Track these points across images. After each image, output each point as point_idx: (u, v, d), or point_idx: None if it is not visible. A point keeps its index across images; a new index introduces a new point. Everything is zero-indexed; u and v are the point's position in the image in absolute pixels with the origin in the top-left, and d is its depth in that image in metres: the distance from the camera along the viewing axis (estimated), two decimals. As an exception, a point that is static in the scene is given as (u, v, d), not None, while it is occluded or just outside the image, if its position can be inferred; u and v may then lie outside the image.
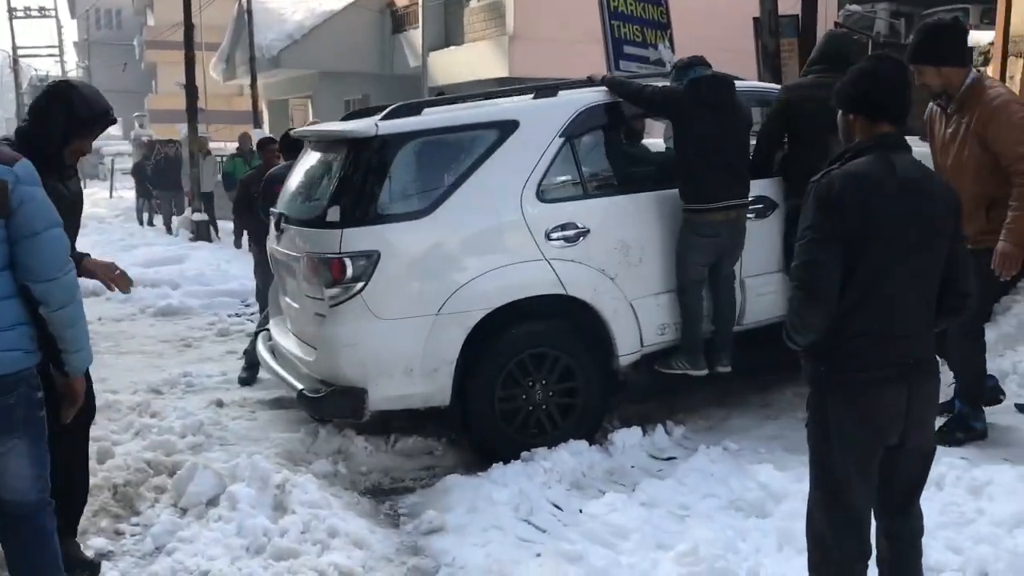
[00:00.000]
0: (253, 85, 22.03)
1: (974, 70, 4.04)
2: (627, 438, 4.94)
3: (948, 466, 3.98)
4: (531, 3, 19.34)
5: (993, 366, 4.90)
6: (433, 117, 4.94)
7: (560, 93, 5.23)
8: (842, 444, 2.63)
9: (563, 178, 5.02)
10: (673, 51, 9.23)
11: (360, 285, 4.56)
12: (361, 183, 4.64)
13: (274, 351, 5.37)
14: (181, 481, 4.36)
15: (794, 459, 4.51)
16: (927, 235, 2.61)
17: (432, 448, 5.12)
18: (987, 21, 24.98)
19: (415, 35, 24.01)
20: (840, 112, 2.75)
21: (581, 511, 4.24)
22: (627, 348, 5.04)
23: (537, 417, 4.90)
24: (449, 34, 22.90)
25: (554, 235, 4.86)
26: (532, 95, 5.22)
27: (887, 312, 2.59)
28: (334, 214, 4.63)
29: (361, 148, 4.70)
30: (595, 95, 5.26)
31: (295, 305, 5.09)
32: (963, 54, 4.08)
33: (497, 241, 4.82)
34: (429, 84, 22.54)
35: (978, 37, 16.41)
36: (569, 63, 19.68)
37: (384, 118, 4.79)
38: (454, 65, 20.96)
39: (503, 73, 19.46)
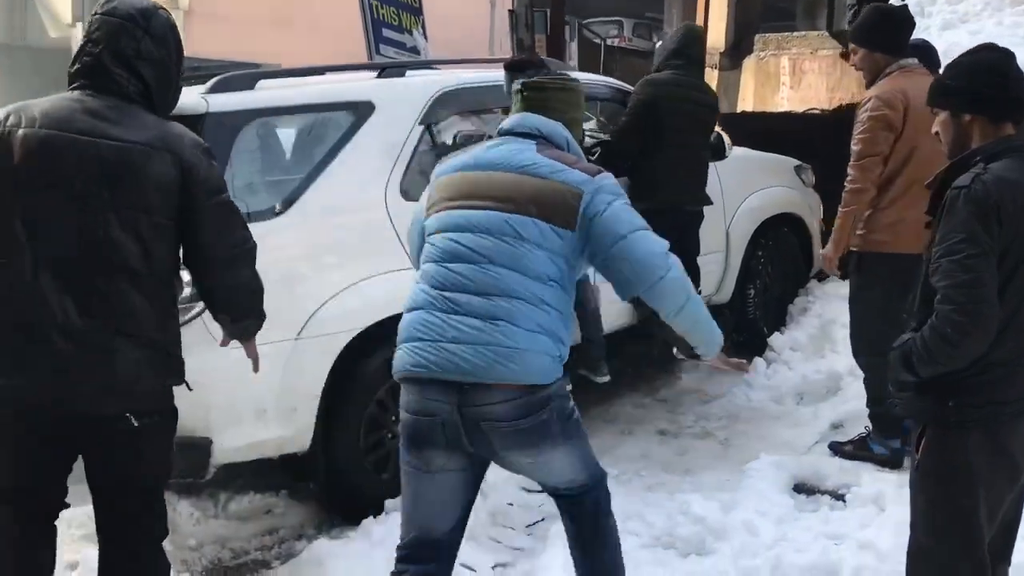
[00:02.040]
0: None
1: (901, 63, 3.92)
2: (497, 473, 4.30)
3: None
4: (208, -23, 17.69)
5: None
6: (274, 93, 3.98)
7: (408, 73, 4.47)
8: (978, 486, 2.27)
9: (425, 173, 4.24)
10: (426, 38, 8.67)
11: (199, 306, 3.52)
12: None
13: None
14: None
15: (687, 482, 4.21)
16: None
17: (271, 506, 4.15)
18: (638, 35, 26.99)
19: (58, 1, 21.16)
20: (947, 113, 2.37)
21: (495, 567, 3.59)
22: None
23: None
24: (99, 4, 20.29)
25: (422, 239, 4.12)
26: (377, 74, 4.41)
27: (1022, 338, 2.26)
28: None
29: (191, 129, 3.63)
30: (451, 76, 4.58)
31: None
32: (895, 42, 3.96)
33: (362, 247, 3.99)
34: (77, 62, 19.96)
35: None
36: (253, 44, 18.32)
37: (211, 91, 3.76)
38: (114, 42, 18.60)
39: (178, 54, 17.68)
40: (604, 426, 5.09)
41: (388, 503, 3.94)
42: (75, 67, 2.40)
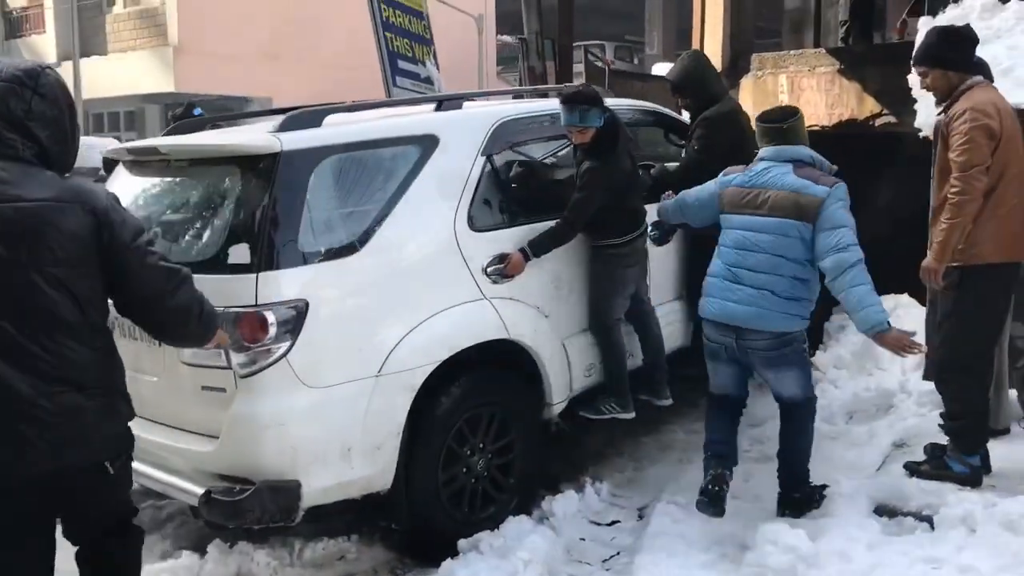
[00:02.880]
0: None
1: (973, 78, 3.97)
2: (564, 506, 4.30)
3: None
4: (196, 13, 17.69)
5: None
6: (343, 129, 3.95)
7: (464, 104, 4.47)
8: None
9: (489, 203, 4.26)
10: (438, 68, 8.70)
11: (285, 346, 3.48)
12: (272, 213, 3.54)
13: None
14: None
15: (760, 508, 4.19)
16: None
17: (343, 551, 4.08)
18: (619, 57, 27.25)
19: (40, 41, 21.03)
20: None
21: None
22: (559, 394, 4.42)
23: (480, 489, 4.11)
24: (86, 43, 20.25)
25: (491, 269, 4.11)
26: (435, 107, 4.40)
27: None
28: (241, 254, 3.50)
29: (263, 168, 3.61)
30: (507, 107, 4.59)
31: (152, 379, 3.79)
32: (965, 60, 4.00)
33: (436, 280, 3.96)
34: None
35: (659, 69, 17.68)
36: (242, 80, 18.36)
37: (281, 130, 3.73)
38: (101, 77, 18.50)
39: (168, 88, 17.59)
40: (659, 454, 5.07)
41: (462, 543, 3.90)
42: None
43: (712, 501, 3.95)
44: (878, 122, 10.60)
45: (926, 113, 5.47)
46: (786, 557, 3.57)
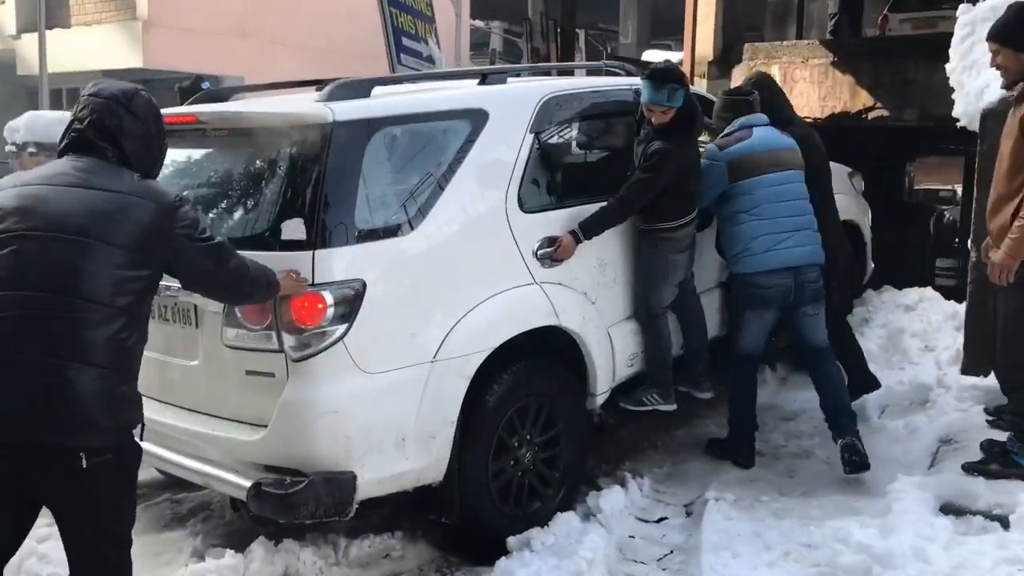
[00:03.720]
0: None
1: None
2: (612, 502, 4.12)
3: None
4: (167, -14, 17.10)
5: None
6: (395, 100, 3.72)
7: (509, 79, 4.25)
8: None
9: (538, 183, 4.05)
10: (439, 47, 8.46)
11: (342, 328, 3.25)
12: (327, 187, 3.30)
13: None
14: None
15: (814, 506, 4.06)
16: None
17: (389, 549, 3.86)
18: (592, 46, 27.09)
19: (3, 14, 20.28)
20: None
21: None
22: (603, 384, 4.24)
23: (526, 483, 3.92)
24: (49, 15, 19.52)
25: (540, 253, 3.91)
26: (479, 80, 4.17)
27: None
28: (295, 229, 3.26)
29: (316, 139, 3.36)
30: (553, 83, 4.38)
31: (189, 363, 3.53)
32: None
33: (488, 262, 3.76)
34: (21, 72, 19.16)
35: (649, 55, 17.59)
36: (213, 56, 17.83)
37: (330, 99, 3.49)
38: (64, 51, 17.84)
39: (136, 63, 17.00)
40: (695, 448, 4.90)
41: (512, 541, 3.71)
42: (63, 143, 2.68)
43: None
44: (871, 115, 10.57)
45: (964, 103, 5.38)
46: (859, 557, 3.43)
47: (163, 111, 3.75)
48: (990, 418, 4.57)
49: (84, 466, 2.45)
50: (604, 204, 4.11)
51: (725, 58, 12.81)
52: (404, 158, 3.60)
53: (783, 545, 3.71)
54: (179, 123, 3.69)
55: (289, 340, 3.23)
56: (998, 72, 4.31)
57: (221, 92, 4.36)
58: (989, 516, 3.68)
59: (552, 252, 3.92)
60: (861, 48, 12.47)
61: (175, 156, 3.80)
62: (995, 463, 3.91)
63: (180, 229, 2.61)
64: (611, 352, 4.25)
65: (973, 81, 5.27)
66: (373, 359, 3.32)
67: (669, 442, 4.96)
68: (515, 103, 4.05)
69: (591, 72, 5.48)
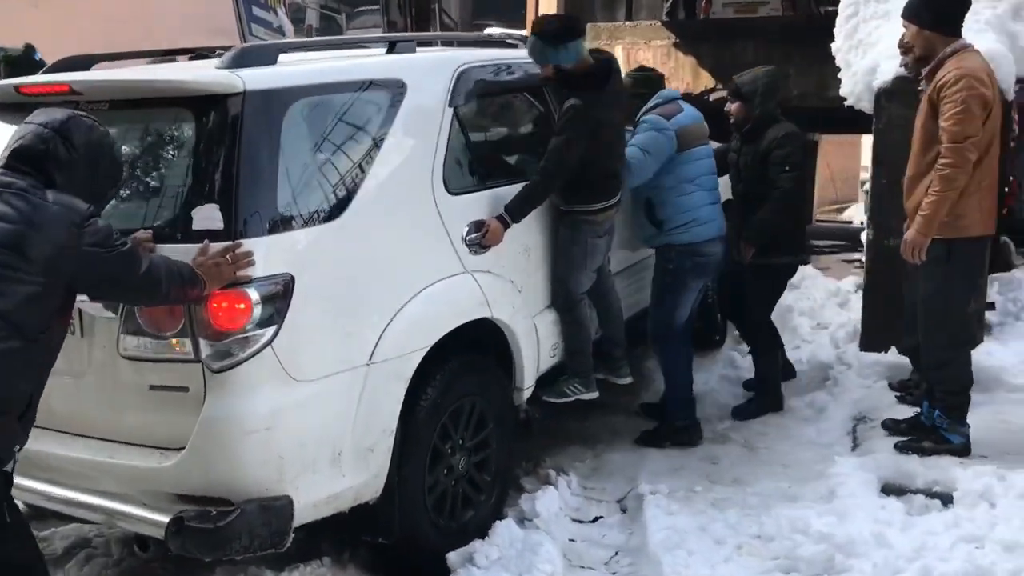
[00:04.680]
0: None
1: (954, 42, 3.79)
2: (547, 505, 3.85)
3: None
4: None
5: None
6: (307, 68, 3.27)
7: (418, 48, 3.87)
8: None
9: (460, 162, 3.70)
10: (288, 17, 7.88)
11: (271, 331, 2.80)
12: (242, 168, 2.83)
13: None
14: None
15: (751, 494, 3.95)
16: None
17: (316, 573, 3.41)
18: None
19: None
20: None
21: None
22: (530, 378, 3.97)
23: (460, 492, 3.59)
24: None
25: (469, 239, 3.58)
26: (386, 49, 3.76)
27: None
28: (210, 217, 2.77)
29: (225, 113, 2.87)
30: (464, 53, 4.02)
31: (75, 380, 2.95)
32: (951, 21, 3.82)
33: (419, 250, 3.39)
34: None
35: (492, 31, 17.27)
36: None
37: (232, 66, 3.00)
38: None
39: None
40: (612, 438, 4.71)
41: (452, 558, 3.39)
42: None
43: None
44: (712, 96, 10.77)
45: (852, 82, 5.43)
46: (820, 547, 3.31)
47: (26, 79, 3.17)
48: (898, 394, 4.62)
49: None
50: (527, 183, 3.81)
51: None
52: (323, 133, 3.16)
53: (733, 538, 3.57)
54: (47, 93, 3.09)
55: (207, 348, 2.75)
56: (898, 51, 4.32)
57: (78, 60, 3.72)
58: (929, 494, 3.66)
59: (480, 238, 3.59)
60: (703, 30, 12.73)
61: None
62: (927, 440, 3.92)
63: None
64: (536, 343, 3.97)
65: (860, 61, 5.32)
66: (304, 365, 2.89)
67: (583, 433, 4.74)
68: (431, 73, 3.68)
69: (478, 45, 5.14)
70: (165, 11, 15.36)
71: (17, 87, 3.18)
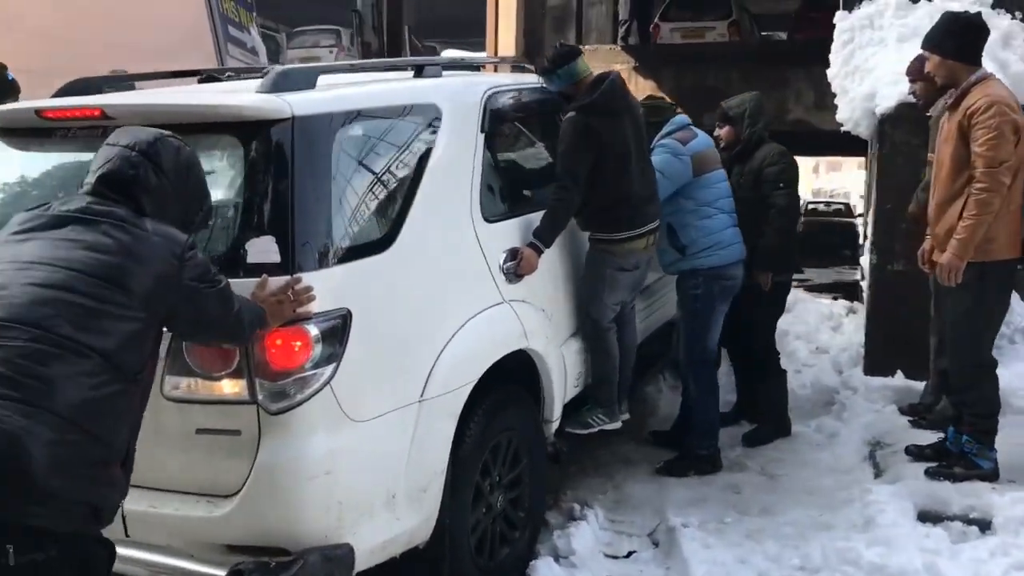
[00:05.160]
0: None
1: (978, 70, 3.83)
2: (582, 541, 3.74)
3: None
4: None
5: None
6: (352, 92, 3.14)
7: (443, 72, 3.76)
8: None
9: (492, 188, 3.60)
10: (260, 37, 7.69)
11: (330, 370, 2.65)
12: (296, 196, 2.69)
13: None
14: None
15: (784, 524, 3.89)
16: None
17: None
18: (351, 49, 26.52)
19: None
20: None
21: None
22: (557, 409, 3.86)
23: (497, 530, 3.47)
24: None
25: (506, 267, 3.48)
26: (413, 73, 3.65)
27: None
28: (266, 250, 2.62)
29: (274, 139, 2.73)
30: (489, 78, 3.94)
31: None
32: (973, 50, 3.85)
33: (463, 280, 3.28)
34: None
35: (448, 54, 17.24)
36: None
37: (273, 91, 2.85)
38: None
39: None
40: (628, 469, 4.59)
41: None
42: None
43: None
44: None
45: (849, 108, 5.49)
46: (872, 579, 3.27)
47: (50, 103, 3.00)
48: (910, 418, 4.63)
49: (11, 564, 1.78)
50: (547, 209, 3.73)
51: (528, 60, 12.75)
52: (369, 161, 3.03)
53: (776, 571, 3.51)
54: (75, 118, 2.90)
55: (264, 389, 2.58)
56: (901, 77, 4.36)
57: (90, 83, 3.53)
58: (966, 520, 3.65)
59: (515, 266, 3.50)
60: (664, 55, 12.89)
61: (68, 159, 3.02)
62: (957, 466, 3.92)
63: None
64: (564, 374, 3.87)
65: (857, 87, 5.39)
66: (361, 404, 2.75)
67: (597, 463, 4.65)
68: (462, 98, 3.57)
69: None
70: (106, 31, 14.98)
71: (39, 111, 2.98)
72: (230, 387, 2.61)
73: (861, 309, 6.15)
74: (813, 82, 10.25)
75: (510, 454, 3.51)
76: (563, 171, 3.78)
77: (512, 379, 3.55)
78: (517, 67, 4.75)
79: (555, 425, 3.86)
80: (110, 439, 1.98)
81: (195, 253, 2.20)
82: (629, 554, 3.82)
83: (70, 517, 1.87)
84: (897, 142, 4.98)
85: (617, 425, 4.17)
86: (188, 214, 2.31)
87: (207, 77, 3.92)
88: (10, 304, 1.92)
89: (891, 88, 4.99)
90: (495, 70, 4.14)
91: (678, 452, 4.61)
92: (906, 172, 4.90)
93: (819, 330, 5.92)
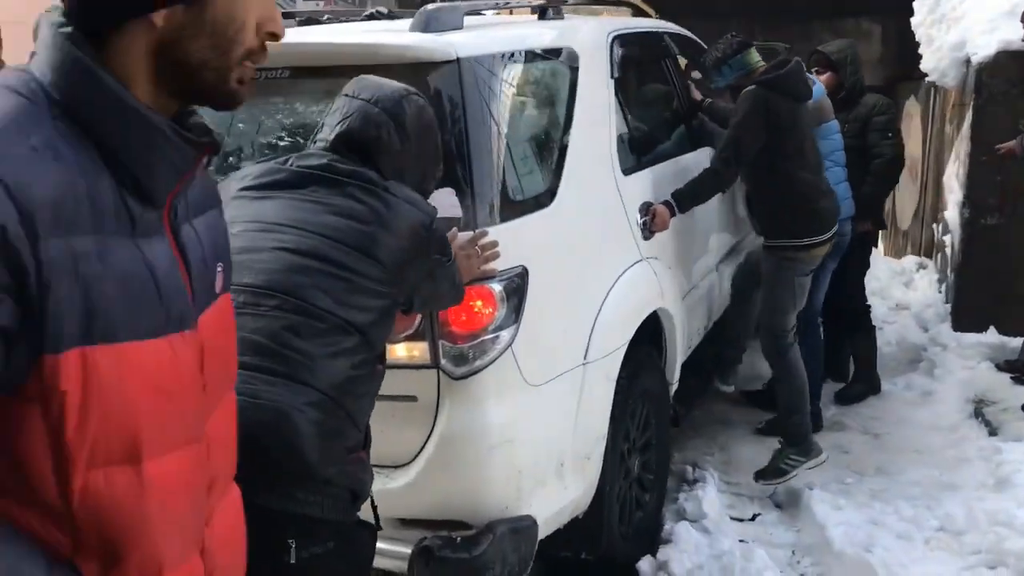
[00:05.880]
0: None
1: None
2: (711, 504, 3.62)
3: None
4: None
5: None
6: (503, 34, 2.93)
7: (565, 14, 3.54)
8: None
9: (623, 139, 3.41)
10: None
11: (511, 332, 2.48)
12: (470, 146, 2.50)
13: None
14: None
15: (904, 484, 3.80)
16: None
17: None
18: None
19: None
20: None
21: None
22: (677, 371, 3.72)
23: (632, 495, 3.34)
24: None
25: (641, 222, 3.31)
26: (539, 14, 3.43)
27: None
28: (448, 203, 2.42)
29: (442, 83, 2.52)
30: (613, 21, 3.72)
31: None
32: None
33: (610, 237, 3.11)
34: None
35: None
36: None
37: (426, 30, 2.65)
38: None
39: None
40: (732, 431, 4.46)
41: (644, 568, 3.14)
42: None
43: None
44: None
45: (936, 58, 5.33)
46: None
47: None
48: (1012, 375, 4.55)
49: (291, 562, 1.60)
50: (698, 175, 3.56)
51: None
52: (528, 107, 2.85)
53: (917, 532, 3.41)
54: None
55: (448, 352, 2.42)
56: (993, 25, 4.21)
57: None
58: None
59: (650, 221, 3.33)
60: (688, 4, 12.58)
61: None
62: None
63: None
64: (685, 332, 3.73)
65: (944, 36, 5.23)
66: (537, 368, 2.59)
67: (694, 424, 4.52)
68: (593, 43, 3.36)
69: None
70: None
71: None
72: (410, 350, 2.44)
73: (931, 265, 6.06)
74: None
75: (642, 418, 3.38)
76: (728, 143, 3.56)
77: (641, 341, 3.41)
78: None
79: (675, 387, 3.72)
80: (362, 421, 1.81)
81: (439, 224, 2.00)
82: (754, 517, 3.72)
83: (339, 504, 1.70)
84: (995, 92, 4.83)
85: (821, 460, 3.80)
86: (425, 180, 2.09)
87: (307, 21, 3.67)
88: (266, 270, 1.72)
89: (987, 36, 4.82)
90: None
91: (775, 412, 4.49)
92: (1003, 122, 4.76)
93: (891, 286, 5.82)
